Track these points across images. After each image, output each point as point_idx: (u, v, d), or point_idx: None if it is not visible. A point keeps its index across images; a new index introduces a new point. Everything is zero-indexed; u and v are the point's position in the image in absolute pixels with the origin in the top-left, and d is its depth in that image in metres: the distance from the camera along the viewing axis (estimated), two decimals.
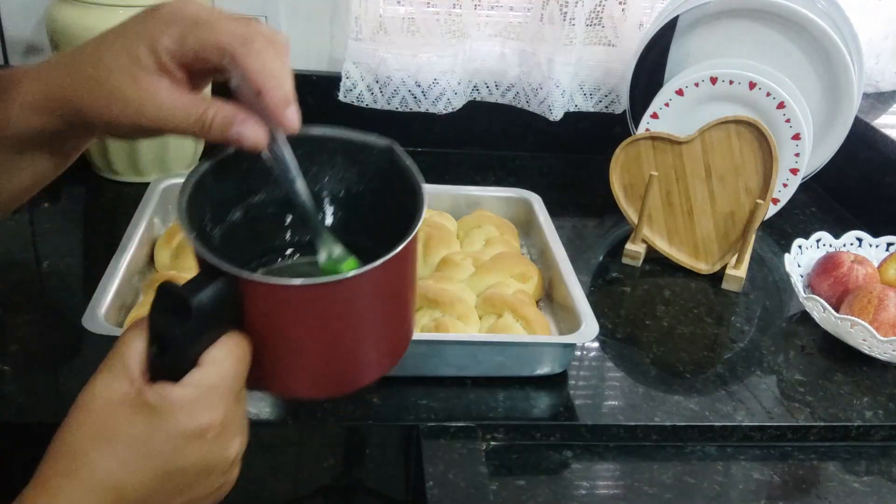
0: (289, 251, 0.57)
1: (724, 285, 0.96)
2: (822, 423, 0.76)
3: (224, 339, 0.44)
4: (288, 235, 0.56)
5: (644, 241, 0.99)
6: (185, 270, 0.81)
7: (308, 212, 0.50)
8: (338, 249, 0.51)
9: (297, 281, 0.43)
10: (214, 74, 0.48)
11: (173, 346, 0.42)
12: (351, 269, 0.48)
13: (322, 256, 0.51)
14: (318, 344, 0.47)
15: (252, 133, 0.46)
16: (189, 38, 0.45)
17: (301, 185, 0.49)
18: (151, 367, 0.43)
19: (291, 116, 0.45)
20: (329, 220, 0.56)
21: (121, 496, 0.41)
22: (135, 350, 0.43)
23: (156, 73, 0.45)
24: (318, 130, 0.53)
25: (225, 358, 0.43)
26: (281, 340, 0.46)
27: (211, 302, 0.42)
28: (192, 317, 0.41)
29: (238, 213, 0.53)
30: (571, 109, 1.20)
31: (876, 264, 0.94)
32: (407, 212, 0.49)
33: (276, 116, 0.45)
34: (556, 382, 0.76)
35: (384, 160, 0.54)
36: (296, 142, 0.49)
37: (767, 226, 1.11)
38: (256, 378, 0.47)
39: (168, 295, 0.42)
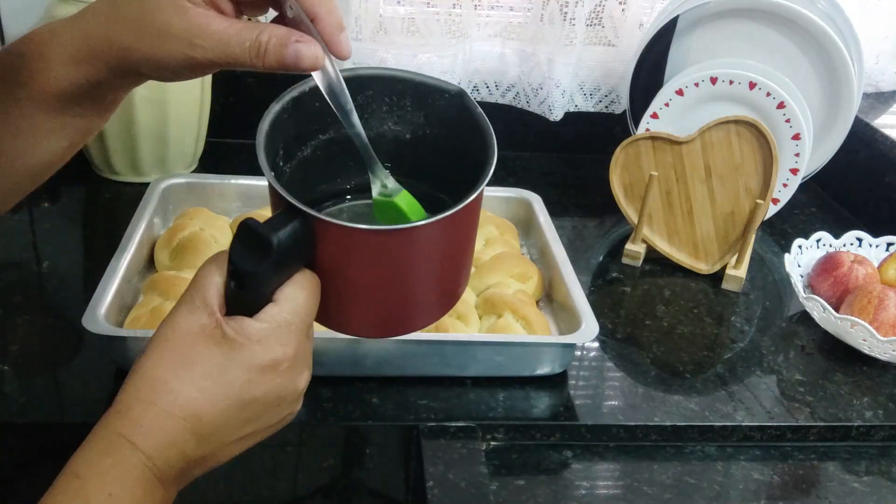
0: (349, 195, 0.59)
1: (724, 285, 0.96)
2: (822, 423, 0.76)
3: (297, 277, 0.46)
4: (352, 178, 0.58)
5: (644, 241, 0.99)
6: (185, 270, 0.81)
7: (363, 141, 0.51)
8: (391, 183, 0.52)
9: (370, 226, 0.46)
10: (260, 10, 0.49)
11: (252, 282, 0.44)
12: (404, 202, 0.51)
13: (375, 189, 0.53)
14: (382, 286, 0.49)
15: (309, 50, 0.46)
16: None
17: (356, 117, 0.50)
18: (229, 301, 0.45)
19: (345, 41, 0.47)
20: (391, 162, 0.56)
21: (199, 423, 0.43)
22: (214, 284, 0.45)
23: (203, 6, 0.46)
24: (388, 71, 0.54)
25: (298, 295, 0.45)
26: (348, 281, 0.48)
27: (289, 240, 0.44)
28: (273, 254, 0.43)
29: (307, 150, 0.54)
30: (571, 109, 1.20)
31: (876, 264, 0.94)
32: (473, 162, 0.50)
33: (330, 41, 0.47)
34: (556, 382, 0.76)
35: (454, 106, 0.55)
36: (366, 81, 0.51)
37: (767, 226, 1.11)
38: (320, 314, 0.48)
39: (250, 232, 0.44)
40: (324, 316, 0.49)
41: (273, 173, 0.47)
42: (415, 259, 0.49)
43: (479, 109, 0.53)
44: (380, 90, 0.54)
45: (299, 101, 0.52)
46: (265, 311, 0.45)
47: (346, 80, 0.49)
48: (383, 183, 0.52)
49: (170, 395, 0.42)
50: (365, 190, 0.54)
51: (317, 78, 0.48)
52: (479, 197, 0.49)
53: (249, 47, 0.45)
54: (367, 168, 0.52)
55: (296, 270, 0.46)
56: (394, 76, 0.54)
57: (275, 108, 0.50)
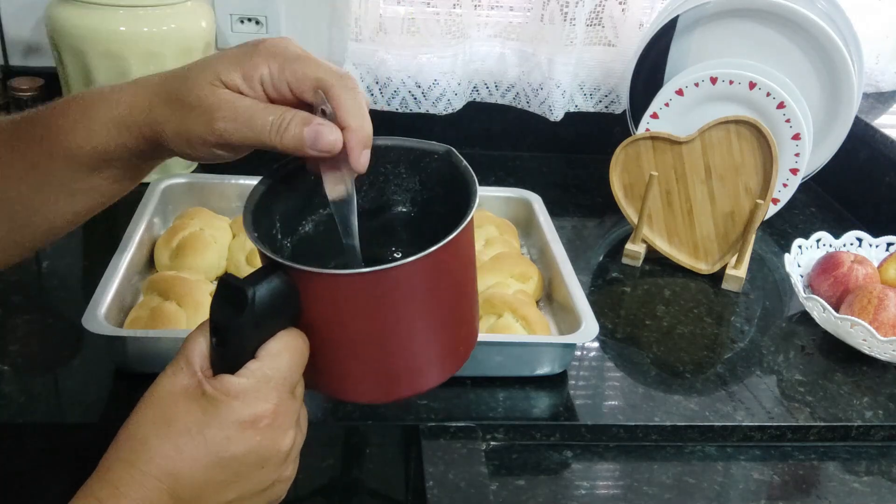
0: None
1: (724, 285, 0.96)
2: (822, 423, 0.76)
3: (281, 333, 0.45)
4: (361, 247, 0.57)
5: (644, 241, 0.99)
6: (185, 270, 0.81)
7: (355, 252, 0.50)
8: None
9: (352, 270, 0.45)
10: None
11: (231, 337, 0.44)
12: None
13: None
14: (372, 338, 0.47)
15: (331, 134, 0.46)
16: (287, 70, 0.47)
17: (355, 231, 0.50)
18: (213, 361, 0.44)
19: (364, 160, 0.48)
20: (394, 233, 0.56)
21: (176, 483, 0.43)
22: (198, 346, 0.45)
23: (238, 91, 0.48)
24: (379, 141, 0.52)
25: (281, 350, 0.45)
26: (338, 335, 0.47)
27: (268, 294, 0.43)
28: (248, 307, 0.42)
29: (309, 225, 0.54)
30: (571, 109, 1.20)
31: (876, 264, 0.94)
32: (459, 210, 0.49)
33: (351, 154, 0.47)
34: (556, 382, 0.76)
35: (444, 165, 0.54)
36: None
37: (767, 226, 1.11)
38: (312, 377, 0.48)
39: (228, 286, 0.44)
40: (318, 380, 0.48)
41: (256, 234, 0.46)
42: (402, 304, 0.46)
43: (465, 163, 0.53)
44: (374, 162, 0.52)
45: (298, 174, 0.51)
46: (246, 366, 0.44)
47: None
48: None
49: (147, 454, 0.42)
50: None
51: (328, 186, 0.49)
52: (467, 233, 0.48)
53: (272, 122, 0.46)
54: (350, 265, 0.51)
55: (281, 327, 0.45)
56: (384, 145, 0.53)
57: (268, 179, 0.50)
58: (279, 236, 0.51)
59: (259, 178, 0.50)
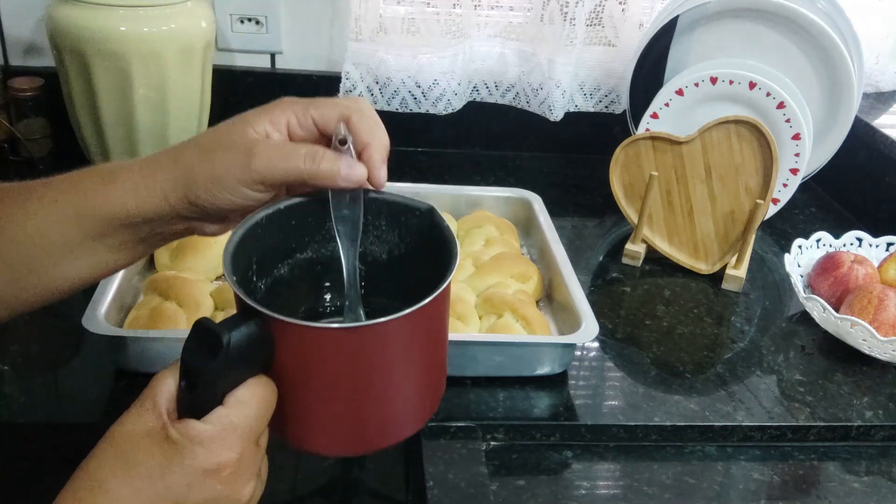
0: (328, 314, 0.58)
1: (724, 285, 0.96)
2: (822, 423, 0.76)
3: (251, 381, 0.45)
4: (328, 298, 0.58)
5: (644, 241, 0.99)
6: (185, 270, 0.81)
7: (349, 276, 0.52)
8: (361, 315, 0.53)
9: (328, 324, 0.45)
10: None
11: (201, 381, 0.43)
12: None
13: (348, 319, 0.53)
14: (344, 391, 0.47)
15: (360, 168, 0.50)
16: (311, 110, 0.51)
17: (354, 251, 0.51)
18: (180, 404, 0.44)
19: (383, 175, 0.51)
20: (369, 281, 0.57)
21: None
22: (166, 388, 0.44)
23: (265, 134, 0.51)
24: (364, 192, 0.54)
25: (249, 398, 0.44)
26: (308, 386, 0.46)
27: (243, 340, 0.43)
28: (222, 352, 0.42)
29: (284, 268, 0.54)
30: (571, 109, 1.20)
31: (876, 264, 0.94)
32: (439, 270, 0.50)
33: (372, 170, 0.50)
34: (556, 382, 0.76)
35: (424, 222, 0.55)
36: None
37: (767, 226, 1.11)
38: (280, 426, 0.47)
39: (203, 330, 0.43)
40: (286, 429, 0.48)
41: (235, 278, 0.46)
42: (378, 360, 0.47)
43: (446, 223, 0.54)
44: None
45: (276, 217, 0.52)
46: (213, 413, 0.43)
47: (321, 201, 0.51)
48: (356, 314, 0.53)
49: (104, 496, 0.41)
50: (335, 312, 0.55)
51: (335, 206, 0.50)
52: (446, 294, 0.48)
53: (306, 154, 0.49)
54: (345, 295, 0.52)
55: (252, 374, 0.45)
56: (369, 197, 0.54)
57: (249, 221, 0.50)
58: (254, 278, 0.51)
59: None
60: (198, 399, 0.43)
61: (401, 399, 0.50)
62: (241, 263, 0.48)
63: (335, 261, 0.53)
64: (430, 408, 0.53)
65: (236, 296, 0.45)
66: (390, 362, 0.47)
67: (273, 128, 0.51)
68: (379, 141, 0.51)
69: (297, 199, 0.53)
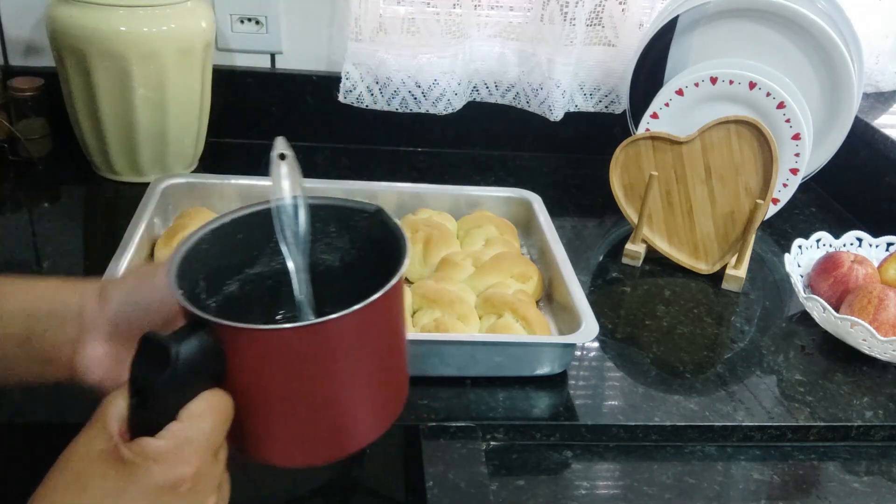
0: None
1: (724, 285, 0.96)
2: (822, 423, 0.76)
3: (205, 393, 0.43)
4: (283, 312, 0.56)
5: (644, 241, 0.99)
6: None
7: (300, 287, 0.51)
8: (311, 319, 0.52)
9: (277, 326, 0.44)
10: None
11: (152, 397, 0.42)
12: None
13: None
14: (299, 397, 0.46)
15: None
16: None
17: (303, 260, 0.50)
18: (131, 422, 0.42)
19: None
20: (323, 291, 0.55)
21: None
22: (116, 408, 0.42)
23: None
24: (311, 199, 0.52)
25: (204, 410, 0.43)
26: (262, 395, 0.45)
27: (192, 351, 0.42)
28: (171, 365, 0.41)
29: (234, 285, 0.53)
30: (571, 109, 1.20)
31: (876, 264, 0.94)
32: (390, 267, 0.49)
33: None
34: (556, 382, 0.76)
35: (374, 224, 0.55)
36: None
37: (767, 226, 1.11)
38: (237, 441, 0.46)
39: (150, 343, 0.42)
40: (243, 443, 0.47)
41: (181, 291, 0.45)
42: (331, 361, 0.45)
43: (395, 222, 0.53)
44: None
45: (222, 232, 0.51)
46: (167, 428, 0.42)
47: (267, 213, 0.50)
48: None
49: None
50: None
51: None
52: (393, 293, 0.47)
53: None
54: (297, 307, 0.51)
55: (205, 387, 0.43)
56: (315, 204, 0.53)
57: (194, 237, 0.49)
58: (203, 296, 0.50)
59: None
60: (150, 416, 0.42)
61: (359, 402, 0.48)
62: (188, 281, 0.47)
63: (287, 274, 0.51)
64: (393, 411, 0.51)
65: (183, 309, 0.44)
66: (343, 363, 0.46)
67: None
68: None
69: (243, 212, 0.52)
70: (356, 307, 0.44)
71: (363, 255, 0.56)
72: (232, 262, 0.52)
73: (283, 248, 0.50)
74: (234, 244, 0.52)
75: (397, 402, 0.52)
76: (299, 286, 0.51)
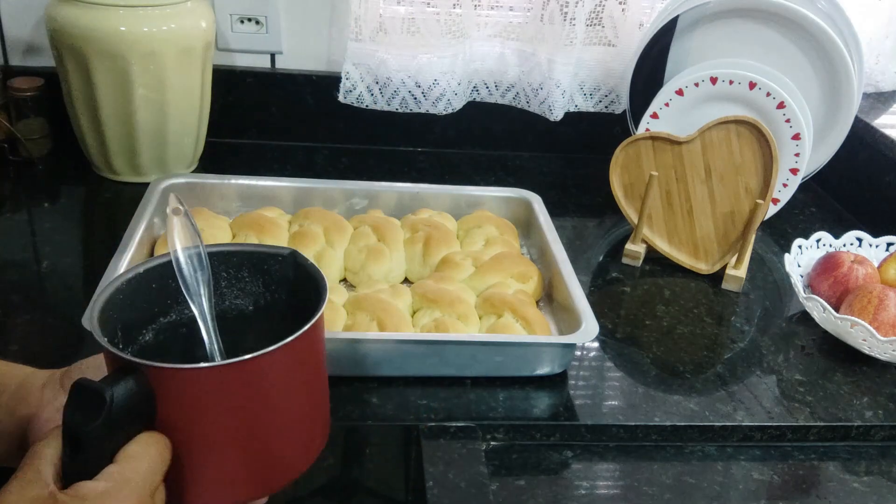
0: None
1: (724, 285, 0.96)
2: (822, 423, 0.76)
3: (141, 436, 0.44)
4: (198, 357, 0.57)
5: (644, 241, 0.99)
6: None
7: (209, 334, 0.52)
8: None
9: (204, 363, 0.45)
10: None
11: (88, 443, 0.42)
12: None
13: None
14: (229, 435, 0.47)
15: None
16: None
17: (210, 306, 0.52)
18: (65, 468, 0.42)
19: None
20: (238, 335, 0.57)
21: None
22: (48, 454, 0.42)
23: None
24: (221, 247, 0.55)
25: (141, 451, 0.43)
26: (192, 434, 0.46)
27: (124, 395, 0.42)
28: (106, 410, 0.41)
29: (149, 334, 0.54)
30: (571, 109, 1.20)
31: (876, 264, 0.94)
32: (308, 305, 0.51)
33: None
34: (556, 382, 0.76)
35: (288, 267, 0.56)
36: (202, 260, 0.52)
37: (767, 226, 1.11)
38: (175, 486, 0.46)
39: (82, 390, 0.42)
40: (177, 485, 0.47)
41: (105, 338, 0.46)
42: (257, 397, 0.47)
43: (311, 262, 0.55)
44: (216, 267, 0.54)
45: (136, 282, 0.52)
46: (104, 471, 0.42)
47: (178, 258, 0.51)
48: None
49: None
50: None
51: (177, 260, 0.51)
52: (317, 328, 0.49)
53: None
54: (208, 353, 0.53)
55: (137, 431, 0.44)
56: (227, 251, 0.55)
57: (110, 287, 0.50)
58: (120, 345, 0.51)
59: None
60: (85, 462, 0.42)
61: (286, 439, 0.50)
62: (107, 331, 0.48)
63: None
64: (320, 443, 0.53)
65: (110, 355, 0.45)
66: (271, 399, 0.47)
67: None
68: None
69: (155, 262, 0.53)
70: (280, 343, 0.46)
71: (278, 297, 0.58)
72: (146, 312, 0.54)
73: (188, 299, 0.52)
74: (148, 294, 0.53)
75: (322, 438, 0.54)
76: (207, 334, 0.53)
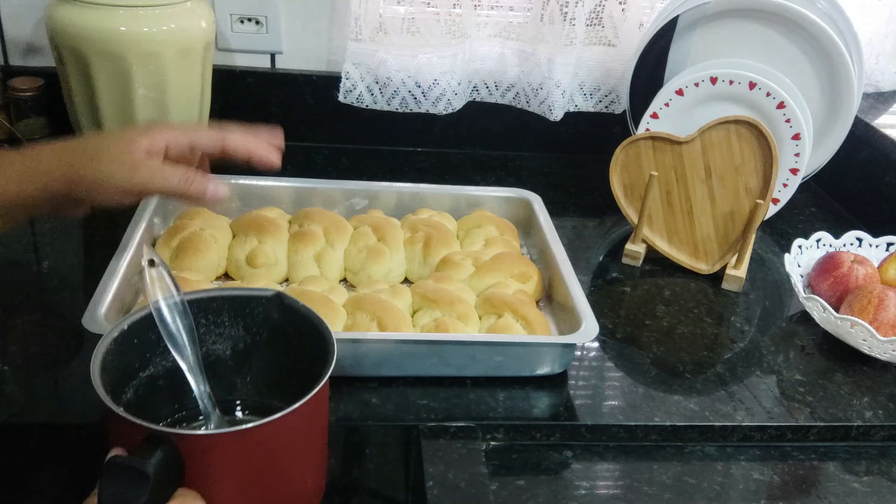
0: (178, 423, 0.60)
1: (724, 285, 0.96)
2: (822, 423, 0.76)
3: (178, 494, 0.46)
4: (175, 407, 0.59)
5: (644, 241, 0.99)
6: (185, 270, 0.81)
7: (196, 383, 0.54)
8: (214, 419, 0.55)
9: (233, 428, 0.47)
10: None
11: None
12: None
13: (212, 423, 0.55)
14: (254, 489, 0.49)
15: (222, 187, 0.66)
16: (188, 135, 0.66)
17: (194, 356, 0.53)
18: None
19: (275, 156, 0.69)
20: (218, 380, 0.58)
21: None
22: None
23: (146, 151, 0.63)
24: (201, 294, 0.56)
25: None
26: (218, 492, 0.48)
27: (160, 465, 0.44)
28: (150, 486, 0.43)
29: (130, 392, 0.55)
30: (571, 109, 1.20)
31: (876, 264, 0.94)
32: (309, 354, 0.53)
33: (266, 159, 0.69)
34: (556, 382, 0.76)
35: (272, 309, 0.57)
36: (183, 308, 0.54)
37: (767, 226, 1.11)
38: None
39: (121, 468, 0.44)
40: None
41: (122, 407, 0.47)
42: (283, 451, 0.50)
43: (301, 304, 0.56)
44: (195, 314, 0.55)
45: (121, 340, 0.53)
46: None
47: (159, 309, 0.52)
48: (217, 422, 0.55)
49: None
50: (185, 421, 0.57)
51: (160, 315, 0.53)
52: (327, 384, 0.51)
53: (180, 179, 0.63)
54: (200, 404, 0.54)
55: (173, 491, 0.46)
56: (207, 297, 0.56)
57: (99, 352, 0.51)
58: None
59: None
60: None
61: (303, 486, 0.53)
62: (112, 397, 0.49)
63: (177, 370, 0.54)
64: (322, 488, 0.57)
65: (133, 425, 0.46)
66: (293, 450, 0.51)
67: (153, 147, 0.63)
68: (262, 140, 0.68)
69: (136, 316, 0.54)
70: (304, 400, 0.48)
71: (259, 339, 0.59)
72: (128, 368, 0.55)
73: (172, 350, 0.53)
74: (131, 350, 0.54)
75: (323, 481, 0.57)
76: (196, 384, 0.54)
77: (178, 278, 0.78)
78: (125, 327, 0.53)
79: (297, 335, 0.56)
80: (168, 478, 0.45)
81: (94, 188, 0.61)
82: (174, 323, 0.53)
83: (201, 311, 0.56)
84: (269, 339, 0.58)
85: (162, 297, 0.53)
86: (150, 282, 0.53)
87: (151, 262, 0.53)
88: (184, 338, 0.53)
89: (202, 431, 0.48)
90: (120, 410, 0.46)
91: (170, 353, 0.54)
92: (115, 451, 0.46)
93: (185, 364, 0.53)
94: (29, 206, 0.62)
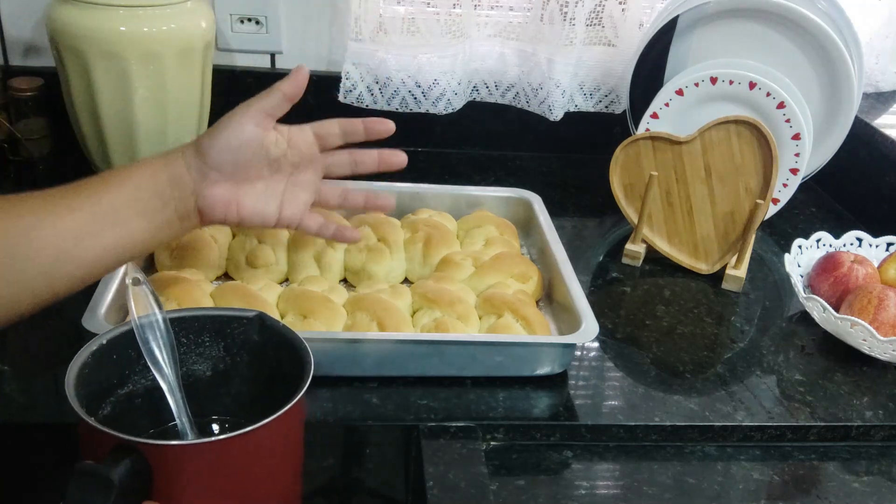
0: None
1: (724, 285, 0.96)
2: (822, 423, 0.76)
3: None
4: (152, 427, 0.59)
5: (644, 241, 0.99)
6: (185, 271, 0.81)
7: (177, 401, 0.54)
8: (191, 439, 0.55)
9: (203, 439, 0.48)
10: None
11: None
12: None
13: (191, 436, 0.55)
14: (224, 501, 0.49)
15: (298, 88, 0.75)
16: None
17: (173, 375, 0.53)
18: None
19: (389, 124, 0.81)
20: (199, 401, 0.58)
21: None
22: None
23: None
24: (181, 312, 0.56)
25: None
26: (189, 503, 0.48)
27: (126, 474, 0.44)
28: (113, 493, 0.43)
29: (108, 407, 0.55)
30: (571, 109, 1.20)
31: (876, 264, 0.94)
32: (286, 373, 0.53)
33: (378, 128, 0.81)
34: (556, 382, 0.76)
35: (253, 330, 0.57)
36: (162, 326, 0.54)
37: (767, 226, 1.11)
38: None
39: (86, 473, 0.44)
40: None
41: (93, 417, 0.47)
42: (254, 467, 0.49)
43: (282, 325, 0.56)
44: (176, 332, 0.55)
45: (99, 354, 0.53)
46: None
47: (142, 326, 0.53)
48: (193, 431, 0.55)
49: None
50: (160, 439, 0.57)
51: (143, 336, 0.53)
52: (301, 402, 0.51)
53: (321, 224, 0.78)
54: (177, 419, 0.54)
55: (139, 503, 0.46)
56: (188, 316, 0.56)
57: (76, 365, 0.52)
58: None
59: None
60: None
61: (268, 502, 0.52)
62: (86, 407, 0.49)
63: (157, 389, 0.54)
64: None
65: (101, 433, 0.46)
66: (265, 467, 0.50)
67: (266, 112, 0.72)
68: (361, 121, 0.80)
69: (117, 331, 0.54)
70: (275, 416, 0.48)
71: (240, 360, 0.59)
72: (106, 384, 0.55)
73: (152, 368, 0.53)
74: (109, 365, 0.54)
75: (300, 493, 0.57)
76: (175, 403, 0.54)
77: (178, 278, 0.78)
78: (104, 342, 0.53)
79: (275, 357, 0.56)
80: (135, 487, 0.45)
81: (214, 132, 0.68)
82: (155, 341, 0.53)
83: (182, 329, 0.57)
84: (248, 361, 0.58)
85: (144, 315, 0.53)
86: (133, 299, 0.53)
87: (136, 281, 0.54)
88: (165, 356, 0.53)
89: (171, 442, 0.47)
90: (91, 419, 0.46)
91: (149, 371, 0.54)
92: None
93: (165, 383, 0.54)
94: (173, 184, 0.65)
